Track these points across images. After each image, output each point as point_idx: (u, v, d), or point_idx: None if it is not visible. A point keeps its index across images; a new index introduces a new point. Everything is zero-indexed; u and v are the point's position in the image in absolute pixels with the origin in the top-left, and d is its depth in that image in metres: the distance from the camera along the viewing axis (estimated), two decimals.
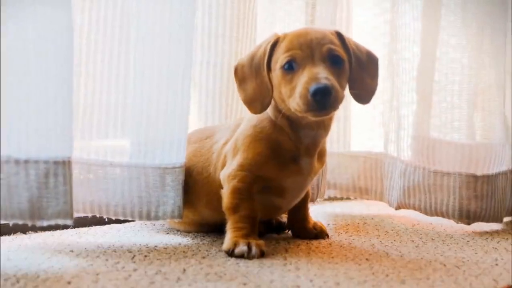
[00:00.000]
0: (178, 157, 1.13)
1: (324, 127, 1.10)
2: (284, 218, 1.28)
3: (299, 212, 1.21)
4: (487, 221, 1.37)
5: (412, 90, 1.43)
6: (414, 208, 1.41)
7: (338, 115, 1.57)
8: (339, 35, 1.08)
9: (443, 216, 1.38)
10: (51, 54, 0.97)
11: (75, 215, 1.19)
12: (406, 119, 1.44)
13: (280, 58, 1.03)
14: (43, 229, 1.19)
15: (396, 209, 1.45)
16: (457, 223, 1.38)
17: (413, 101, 1.43)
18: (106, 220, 1.24)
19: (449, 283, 0.90)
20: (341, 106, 1.02)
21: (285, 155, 1.08)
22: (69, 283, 0.85)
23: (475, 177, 1.35)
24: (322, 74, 0.98)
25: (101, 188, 1.12)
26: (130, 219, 1.14)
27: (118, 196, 1.12)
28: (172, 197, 1.13)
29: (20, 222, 0.96)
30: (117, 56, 1.13)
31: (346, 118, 1.58)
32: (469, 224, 1.37)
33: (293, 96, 1.00)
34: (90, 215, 1.15)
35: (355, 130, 1.62)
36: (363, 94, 1.10)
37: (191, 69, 1.14)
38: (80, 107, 1.12)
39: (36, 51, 0.96)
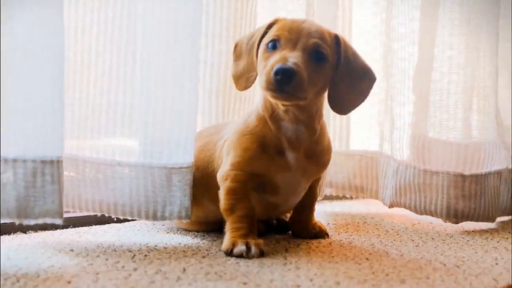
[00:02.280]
0: (185, 157, 1.13)
1: (303, 123, 1.08)
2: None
3: (303, 212, 1.21)
4: (477, 220, 1.37)
5: (407, 89, 1.43)
6: (405, 207, 1.42)
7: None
8: (336, 38, 1.07)
9: (431, 215, 1.38)
10: (41, 54, 0.97)
11: (83, 214, 1.21)
12: (400, 118, 1.44)
13: (267, 37, 1.05)
14: (43, 228, 1.19)
15: (389, 207, 1.45)
16: (445, 222, 1.38)
17: (407, 100, 1.43)
18: (107, 219, 1.24)
19: (449, 282, 0.90)
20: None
21: (271, 149, 1.08)
22: (69, 282, 0.85)
23: (463, 176, 1.36)
24: (292, 59, 0.98)
25: (110, 188, 1.12)
26: (137, 219, 1.15)
27: (126, 196, 1.12)
28: (179, 197, 1.13)
29: (8, 221, 0.96)
30: (124, 56, 1.14)
31: (344, 117, 1.58)
32: (457, 223, 1.37)
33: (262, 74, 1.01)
34: (99, 214, 1.15)
35: (354, 129, 1.62)
36: (341, 104, 1.09)
37: (198, 68, 1.15)
38: (89, 107, 1.13)
39: (25, 51, 0.96)
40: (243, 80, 1.10)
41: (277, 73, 0.96)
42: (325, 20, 1.41)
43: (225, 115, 1.37)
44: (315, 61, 1.02)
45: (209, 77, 1.34)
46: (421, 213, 1.39)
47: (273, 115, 1.08)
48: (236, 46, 1.13)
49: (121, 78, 1.14)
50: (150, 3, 1.11)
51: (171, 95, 1.12)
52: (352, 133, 1.61)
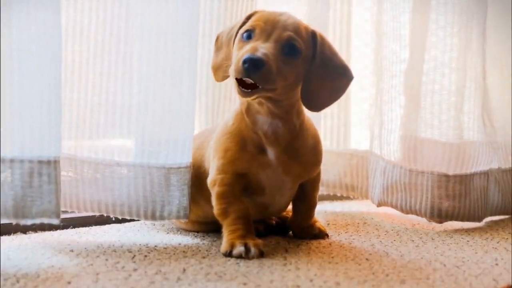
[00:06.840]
0: (183, 157, 1.13)
1: (279, 118, 1.07)
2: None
3: (303, 213, 1.20)
4: (462, 220, 1.38)
5: (395, 88, 1.43)
6: (392, 206, 1.43)
7: (334, 112, 1.57)
8: (313, 34, 1.06)
9: (416, 214, 1.39)
10: (38, 54, 0.97)
11: (83, 214, 1.21)
12: (390, 119, 1.44)
13: (244, 27, 1.05)
14: (43, 228, 1.19)
15: (378, 206, 1.46)
16: (429, 221, 1.39)
17: (397, 101, 1.43)
18: (106, 219, 1.24)
19: (449, 283, 0.90)
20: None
21: (250, 145, 1.08)
22: (69, 283, 0.85)
23: (447, 176, 1.36)
24: (262, 49, 0.98)
25: (108, 188, 1.13)
26: (136, 218, 1.15)
27: (124, 196, 1.13)
28: (177, 197, 1.13)
29: (5, 221, 0.96)
30: (122, 56, 1.14)
31: (340, 117, 1.58)
32: (441, 222, 1.38)
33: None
34: (97, 214, 1.15)
35: (349, 129, 1.62)
36: (312, 100, 1.07)
37: (196, 68, 1.15)
38: (88, 107, 1.14)
39: (22, 51, 0.96)
40: (221, 71, 1.10)
41: (245, 61, 0.96)
42: (324, 20, 1.41)
43: (219, 115, 1.37)
44: (287, 54, 1.01)
45: (199, 76, 1.33)
46: (407, 212, 1.41)
47: (248, 108, 1.08)
48: (217, 39, 1.13)
49: (119, 78, 1.14)
50: (147, 3, 1.12)
51: (169, 95, 1.12)
52: (347, 133, 1.61)
